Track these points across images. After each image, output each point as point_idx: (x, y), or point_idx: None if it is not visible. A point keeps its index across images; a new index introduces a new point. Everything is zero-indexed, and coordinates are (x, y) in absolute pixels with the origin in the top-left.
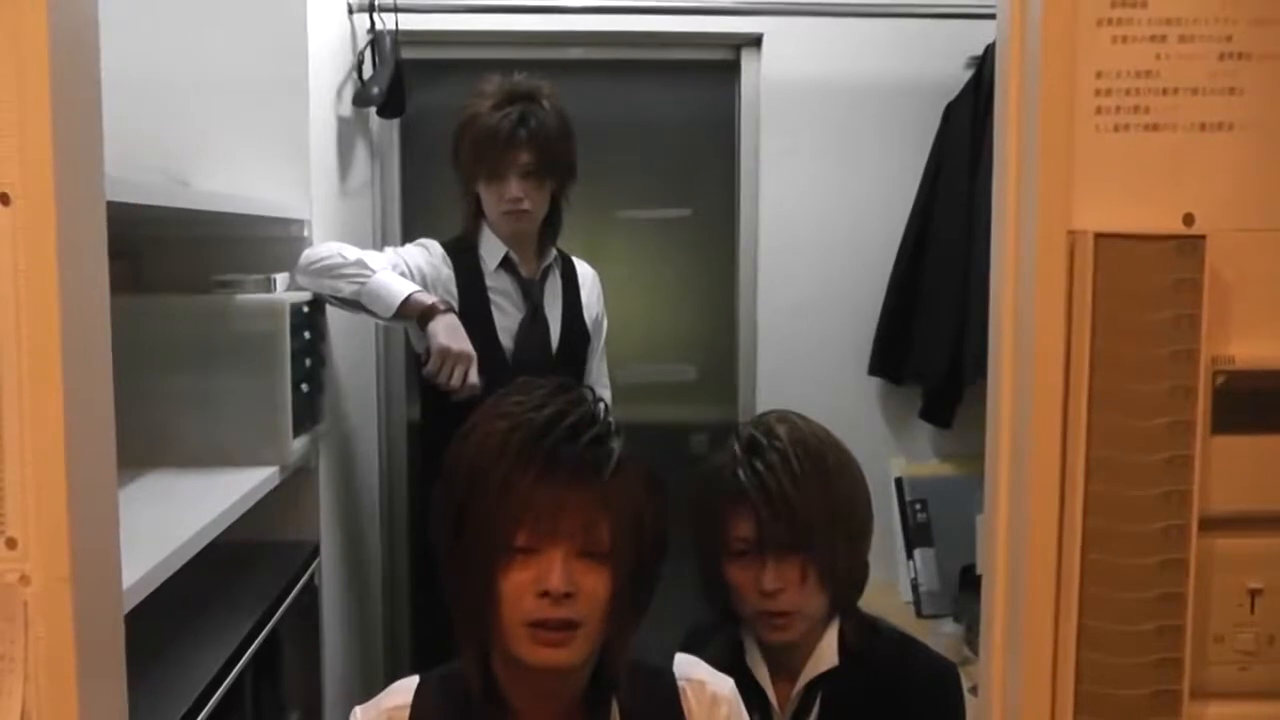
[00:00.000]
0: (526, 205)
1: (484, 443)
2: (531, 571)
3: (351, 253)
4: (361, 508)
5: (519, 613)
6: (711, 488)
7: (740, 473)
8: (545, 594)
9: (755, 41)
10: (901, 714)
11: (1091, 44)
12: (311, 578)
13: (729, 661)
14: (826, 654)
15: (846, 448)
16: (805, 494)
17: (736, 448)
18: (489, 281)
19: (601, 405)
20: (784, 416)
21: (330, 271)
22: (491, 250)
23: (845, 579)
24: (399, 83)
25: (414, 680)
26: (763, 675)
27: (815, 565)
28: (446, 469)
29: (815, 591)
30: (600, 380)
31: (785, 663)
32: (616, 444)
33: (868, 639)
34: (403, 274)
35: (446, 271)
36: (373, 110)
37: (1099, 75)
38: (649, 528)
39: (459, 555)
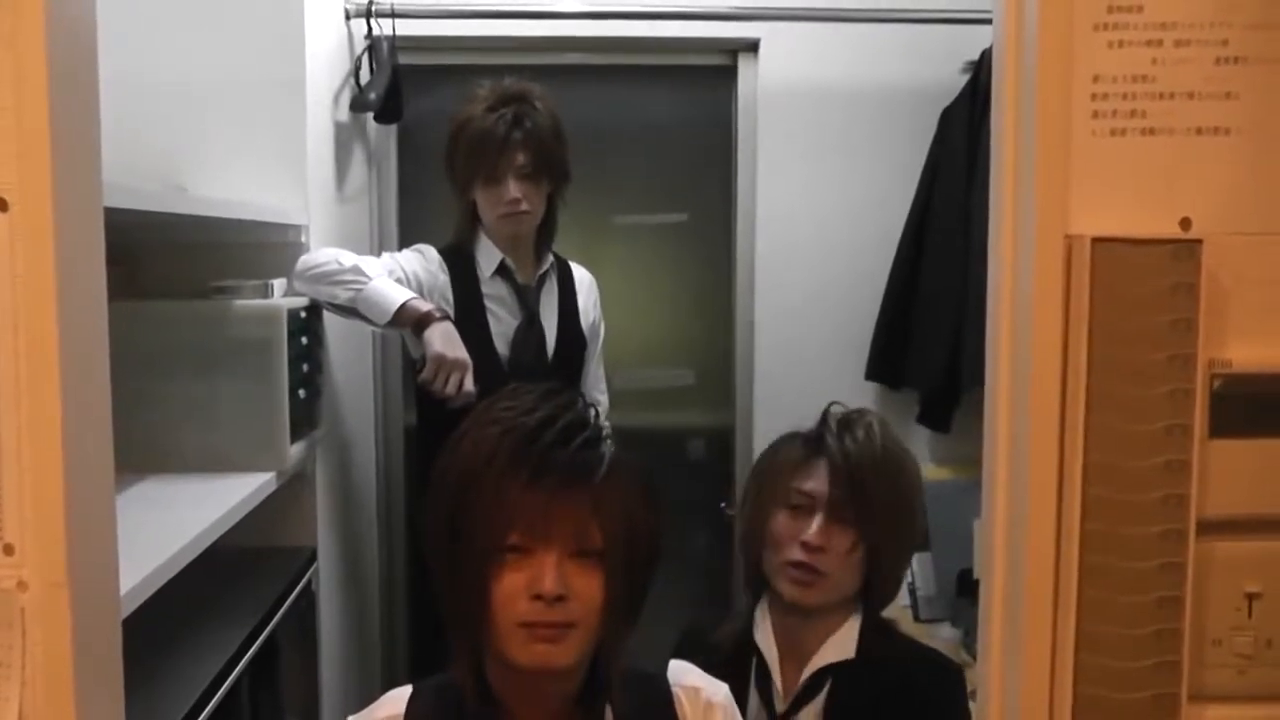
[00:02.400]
0: (525, 206)
1: (475, 448)
2: (524, 574)
3: (348, 259)
4: (359, 513)
5: (512, 615)
6: (789, 444)
7: (828, 438)
8: (538, 597)
9: (752, 47)
10: (907, 714)
11: (1088, 48)
12: (309, 583)
13: (739, 635)
14: (843, 644)
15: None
16: (880, 480)
17: (831, 422)
18: (485, 288)
19: (592, 410)
20: (882, 419)
21: (326, 278)
22: (488, 256)
23: (883, 577)
24: (396, 88)
25: (407, 690)
26: (771, 654)
27: (864, 547)
28: (438, 475)
29: (853, 569)
30: (597, 386)
31: (796, 646)
32: (607, 448)
33: (882, 638)
34: (399, 280)
35: (443, 278)
36: (370, 116)
37: (1095, 79)
38: (642, 531)
39: (452, 560)
